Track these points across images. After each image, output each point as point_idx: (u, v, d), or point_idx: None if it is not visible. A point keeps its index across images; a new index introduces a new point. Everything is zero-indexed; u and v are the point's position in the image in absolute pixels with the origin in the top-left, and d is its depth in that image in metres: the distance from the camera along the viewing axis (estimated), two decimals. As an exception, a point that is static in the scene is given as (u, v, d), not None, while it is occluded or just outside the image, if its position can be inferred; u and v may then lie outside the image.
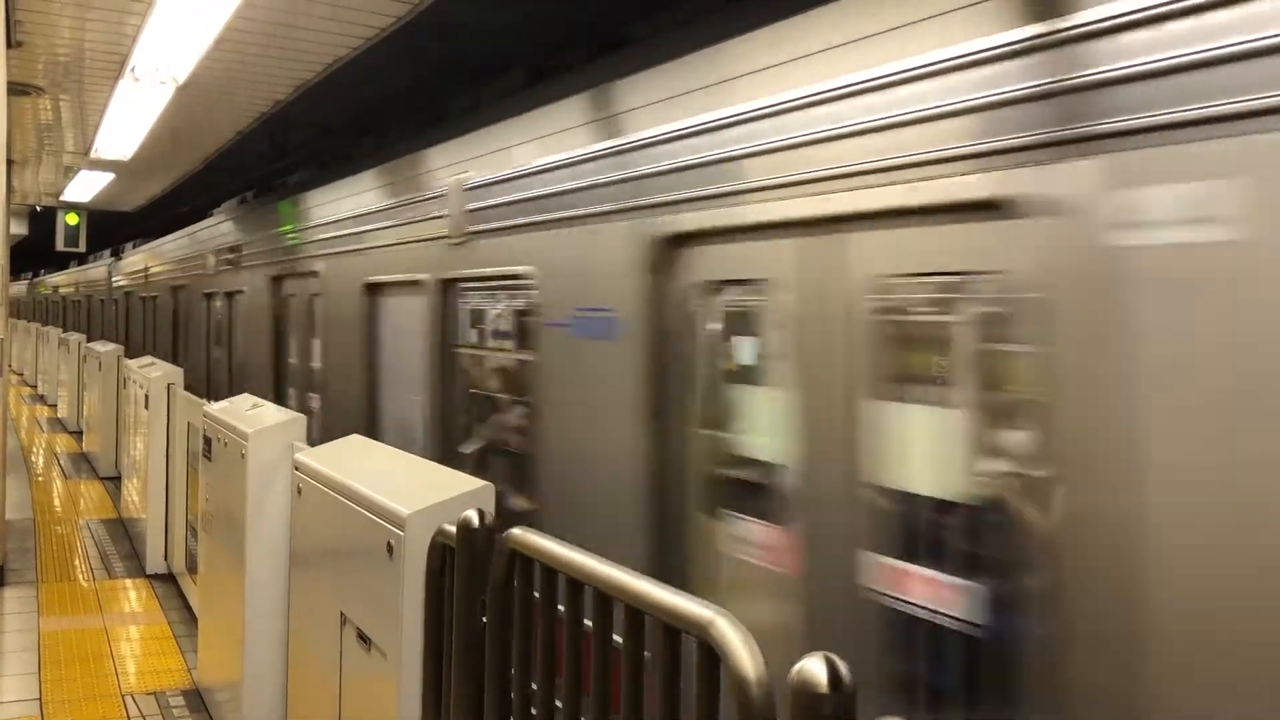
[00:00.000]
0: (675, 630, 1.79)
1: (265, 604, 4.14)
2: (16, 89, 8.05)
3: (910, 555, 2.64)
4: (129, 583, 7.26)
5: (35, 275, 35.73)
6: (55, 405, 17.86)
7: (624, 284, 3.61)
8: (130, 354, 10.73)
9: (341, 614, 3.30)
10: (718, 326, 3.41)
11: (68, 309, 25.71)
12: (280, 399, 8.15)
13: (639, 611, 1.90)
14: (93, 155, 11.21)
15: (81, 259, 23.88)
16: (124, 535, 8.63)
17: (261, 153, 10.92)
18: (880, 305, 2.74)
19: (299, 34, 6.41)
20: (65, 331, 18.14)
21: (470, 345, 5.20)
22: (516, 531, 2.33)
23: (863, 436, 2.77)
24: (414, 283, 5.51)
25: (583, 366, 3.85)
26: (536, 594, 2.26)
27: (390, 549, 2.88)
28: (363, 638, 3.11)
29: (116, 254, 19.42)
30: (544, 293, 4.13)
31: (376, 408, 6.23)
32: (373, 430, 6.04)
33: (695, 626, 1.71)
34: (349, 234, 6.55)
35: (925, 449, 2.66)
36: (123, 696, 5.11)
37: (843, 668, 1.44)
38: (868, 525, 2.74)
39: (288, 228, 8.19)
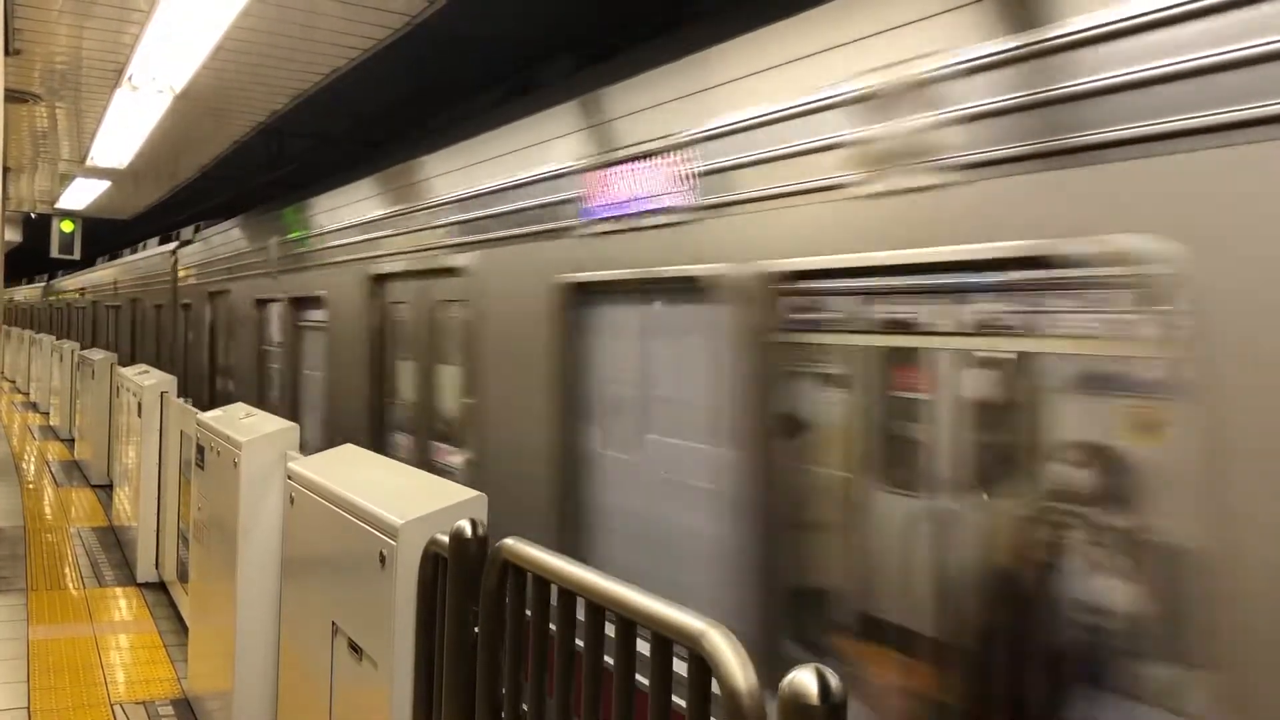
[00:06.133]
0: (667, 641, 1.79)
1: (256, 613, 4.13)
2: (13, 96, 8.05)
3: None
4: (119, 591, 7.25)
5: (44, 279, 30.77)
6: (47, 413, 17.82)
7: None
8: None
9: (333, 623, 3.29)
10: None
11: (99, 319, 19.88)
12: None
13: (631, 622, 1.90)
14: (89, 163, 11.19)
15: (114, 255, 21.11)
16: (115, 543, 8.61)
17: (259, 162, 10.92)
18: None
19: (297, 44, 6.43)
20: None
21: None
22: (509, 542, 2.33)
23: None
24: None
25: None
26: (529, 606, 2.26)
27: (382, 559, 2.88)
28: (354, 647, 3.11)
29: (171, 240, 14.00)
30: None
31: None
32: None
33: (687, 638, 1.72)
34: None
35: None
36: (112, 706, 5.09)
37: (833, 680, 1.45)
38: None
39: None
